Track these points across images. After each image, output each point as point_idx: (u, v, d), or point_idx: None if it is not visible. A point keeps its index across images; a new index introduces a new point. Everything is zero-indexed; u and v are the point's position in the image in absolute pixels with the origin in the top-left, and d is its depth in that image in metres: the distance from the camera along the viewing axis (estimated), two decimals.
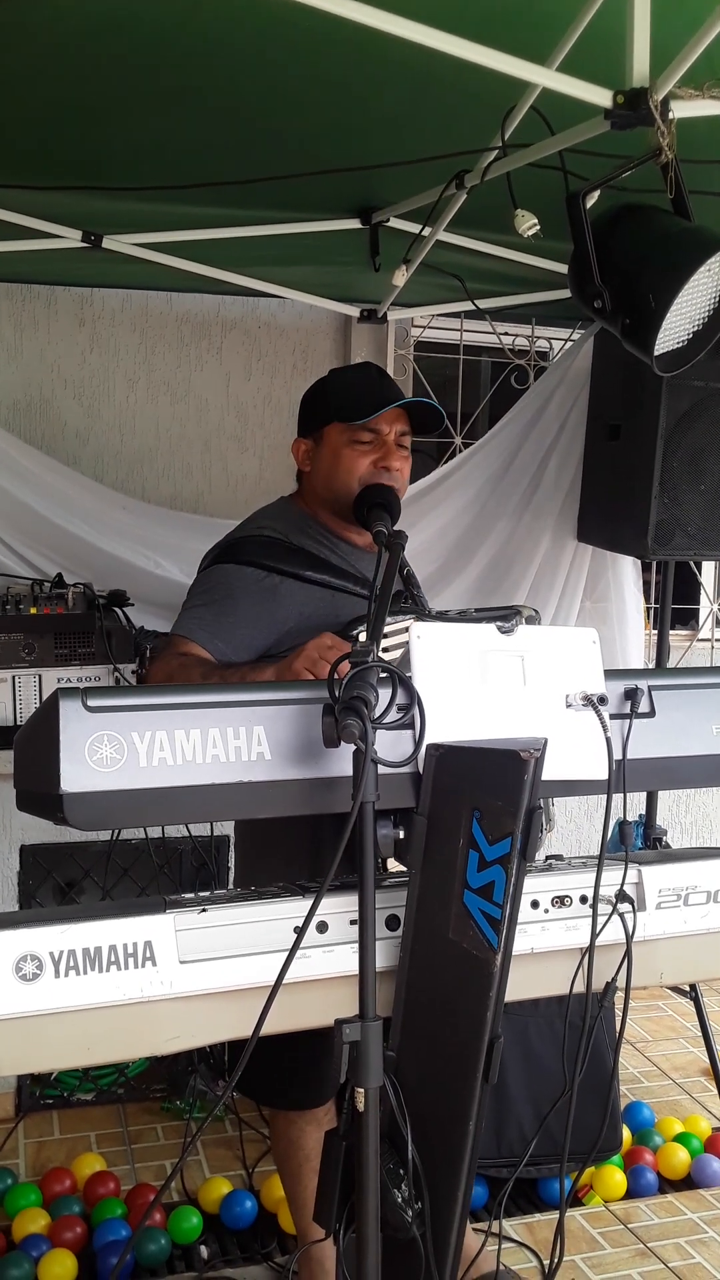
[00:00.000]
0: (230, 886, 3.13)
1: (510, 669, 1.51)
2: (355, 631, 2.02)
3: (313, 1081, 2.16)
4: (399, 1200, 1.40)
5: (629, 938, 1.56)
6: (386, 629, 1.77)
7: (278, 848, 2.11)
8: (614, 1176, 2.97)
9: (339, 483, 2.19)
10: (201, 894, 1.48)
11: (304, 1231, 2.39)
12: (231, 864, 3.46)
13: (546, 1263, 2.60)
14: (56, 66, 2.09)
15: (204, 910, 1.40)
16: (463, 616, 1.92)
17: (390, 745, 1.41)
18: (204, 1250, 2.72)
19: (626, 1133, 3.15)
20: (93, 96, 2.22)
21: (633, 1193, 2.99)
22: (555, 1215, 2.73)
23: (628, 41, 1.76)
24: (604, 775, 1.52)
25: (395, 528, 2.04)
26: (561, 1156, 1.67)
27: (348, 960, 1.39)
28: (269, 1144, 3.02)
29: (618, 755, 1.54)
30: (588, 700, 1.52)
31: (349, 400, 2.19)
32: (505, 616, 1.65)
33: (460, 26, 1.73)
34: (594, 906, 1.54)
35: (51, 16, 1.89)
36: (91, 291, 3.56)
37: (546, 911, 1.54)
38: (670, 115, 1.80)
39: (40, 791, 1.32)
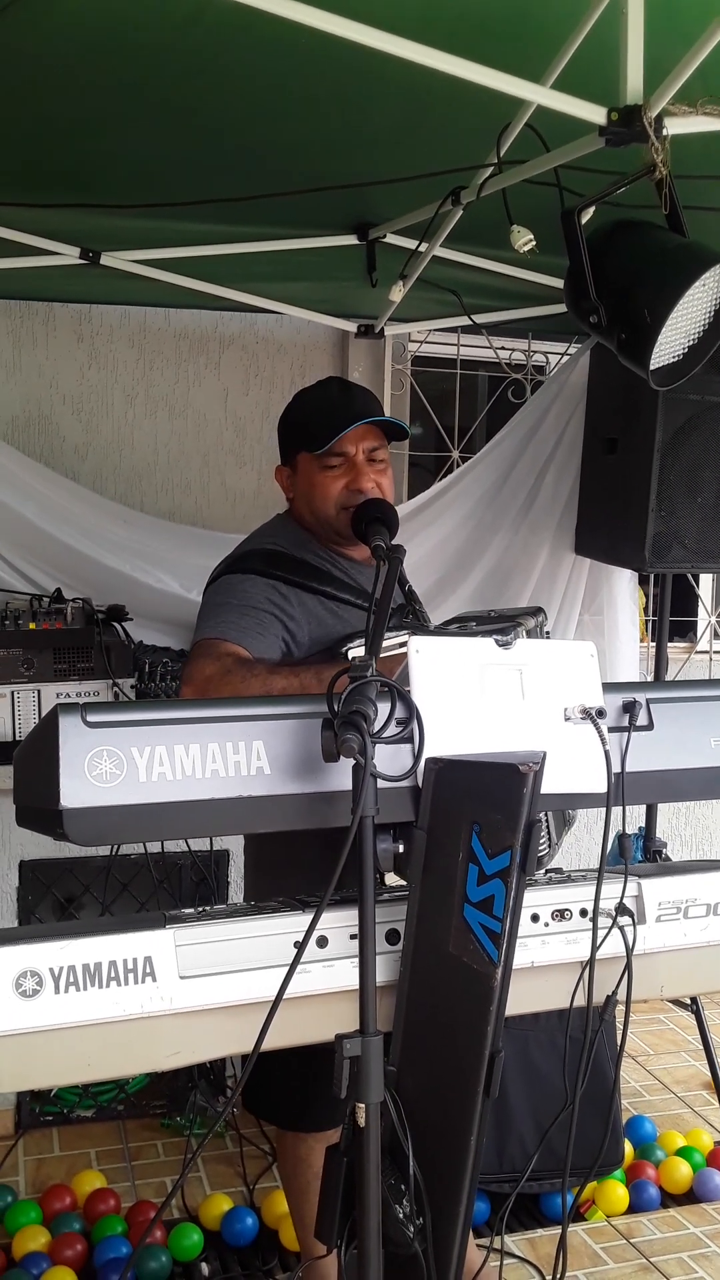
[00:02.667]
0: (238, 902, 3.12)
1: (509, 683, 1.51)
2: (346, 648, 2.02)
3: (327, 1102, 2.14)
4: (400, 1216, 1.40)
5: (629, 951, 1.56)
6: (384, 643, 1.77)
7: (292, 865, 2.09)
8: (616, 1191, 2.96)
9: (319, 509, 2.20)
10: (202, 909, 1.48)
11: (309, 1249, 2.37)
12: (231, 879, 3.46)
13: (549, 1278, 2.59)
14: (53, 84, 2.10)
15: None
16: (463, 627, 1.92)
17: (389, 759, 1.41)
18: (205, 1267, 2.71)
19: (628, 1147, 3.14)
20: (90, 114, 2.23)
21: (635, 1207, 2.98)
22: (558, 1230, 2.72)
23: (621, 58, 1.77)
24: (603, 788, 1.52)
25: (394, 542, 2.04)
26: (563, 1171, 1.66)
27: (348, 975, 1.39)
28: (270, 1160, 3.02)
29: (616, 768, 1.54)
30: (586, 713, 1.52)
31: (309, 428, 2.19)
32: (504, 630, 1.65)
33: (455, 44, 1.75)
34: (594, 920, 1.53)
35: (48, 35, 1.90)
36: (90, 308, 3.58)
37: (547, 925, 1.54)
38: (664, 132, 1.82)
39: (40, 807, 1.32)
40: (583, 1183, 2.90)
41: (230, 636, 2.01)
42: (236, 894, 3.50)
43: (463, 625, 1.90)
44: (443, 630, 1.91)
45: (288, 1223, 2.71)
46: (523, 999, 1.49)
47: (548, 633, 2.02)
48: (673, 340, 2.03)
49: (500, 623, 1.75)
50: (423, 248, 2.85)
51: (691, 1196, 3.05)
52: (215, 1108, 3.22)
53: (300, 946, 1.32)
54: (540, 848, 1.94)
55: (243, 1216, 2.82)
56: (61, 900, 3.36)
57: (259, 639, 2.03)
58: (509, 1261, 2.69)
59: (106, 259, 3.00)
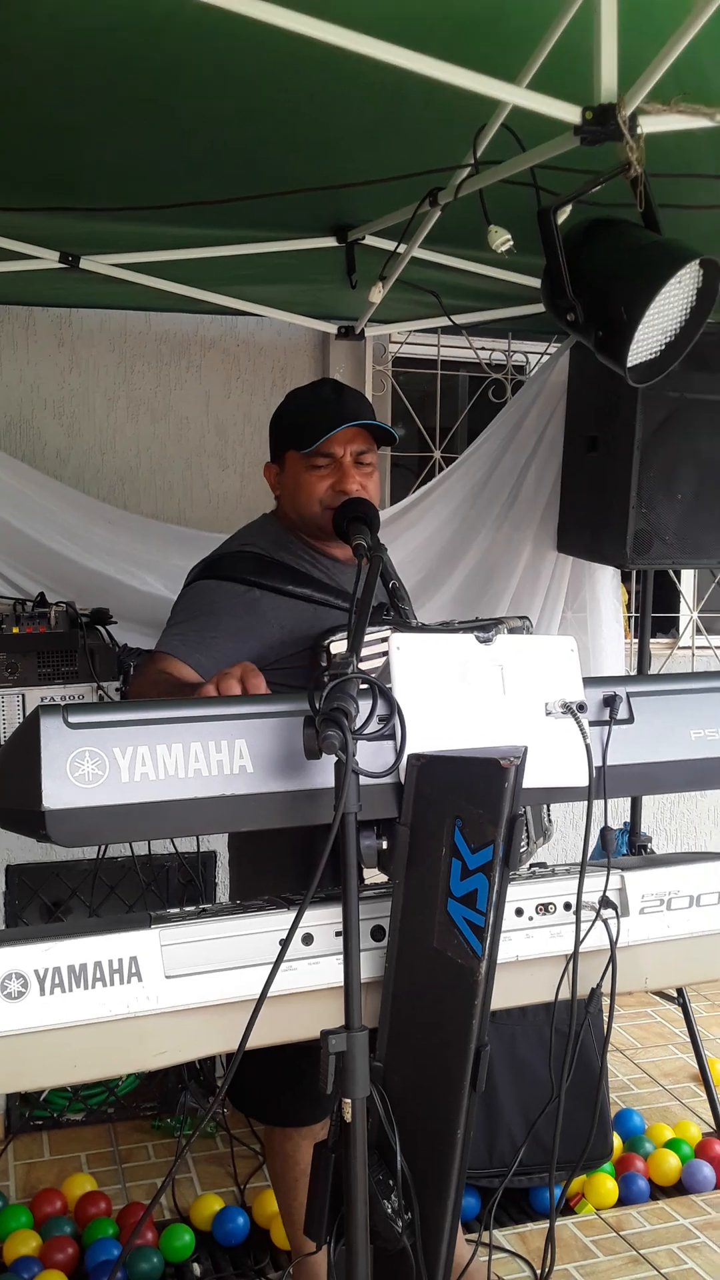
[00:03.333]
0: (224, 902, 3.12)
1: (490, 678, 1.52)
2: (326, 642, 2.03)
3: (311, 1097, 2.15)
4: (389, 1211, 1.40)
5: (613, 943, 1.57)
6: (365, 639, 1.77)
7: (273, 863, 2.10)
8: (605, 1184, 2.97)
9: (303, 507, 2.21)
10: (187, 909, 1.48)
11: (298, 1246, 2.38)
12: (219, 880, 3.46)
13: (539, 1271, 2.60)
14: (30, 87, 2.10)
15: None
16: (445, 628, 1.93)
17: (372, 756, 1.42)
18: (196, 1268, 2.71)
19: (617, 1140, 3.16)
20: (67, 117, 2.23)
21: (624, 1200, 2.99)
22: (547, 1224, 2.73)
23: (595, 58, 1.78)
24: (584, 782, 1.53)
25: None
26: (550, 1163, 1.67)
27: (334, 972, 1.39)
28: (260, 1160, 3.02)
29: (598, 762, 1.55)
30: (567, 708, 1.53)
31: (300, 426, 2.21)
32: (485, 628, 1.67)
33: (430, 45, 1.76)
34: (577, 913, 1.54)
35: (24, 38, 1.90)
36: (70, 312, 3.58)
37: (531, 919, 1.55)
38: (639, 130, 1.83)
39: (23, 809, 1.32)
40: (571, 1176, 2.92)
41: (178, 653, 2.06)
42: (224, 895, 3.50)
43: (445, 625, 1.92)
44: (424, 628, 1.92)
45: (279, 1222, 2.71)
46: (508, 993, 1.50)
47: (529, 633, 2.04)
48: (650, 337, 2.04)
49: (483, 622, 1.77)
50: (401, 249, 2.86)
51: (680, 1188, 3.06)
52: (205, 1108, 3.22)
53: (284, 944, 1.33)
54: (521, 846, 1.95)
55: (234, 1216, 2.82)
56: (48, 904, 3.35)
57: (209, 654, 2.07)
58: (499, 1256, 2.70)
59: (86, 263, 3.00)
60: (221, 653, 2.07)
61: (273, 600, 2.15)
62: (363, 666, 1.63)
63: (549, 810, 2.26)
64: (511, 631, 1.98)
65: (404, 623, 2.15)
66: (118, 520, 3.35)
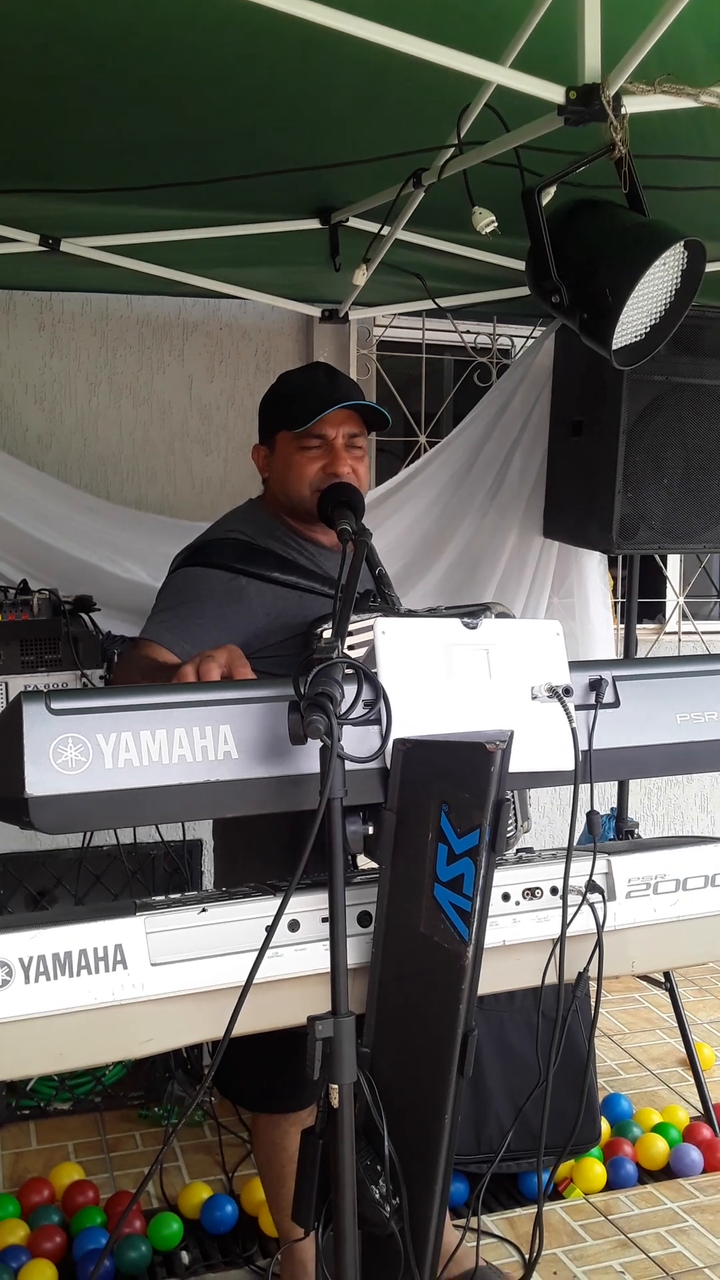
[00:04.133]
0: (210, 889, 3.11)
1: (475, 662, 1.51)
2: (320, 629, 2.02)
3: (297, 1084, 2.15)
4: (376, 1196, 1.40)
5: (600, 927, 1.57)
6: (352, 627, 1.76)
7: (259, 849, 2.10)
8: (594, 1169, 2.98)
9: (292, 489, 2.20)
10: (172, 896, 1.47)
11: (286, 1233, 2.38)
12: (204, 869, 3.46)
13: (527, 1256, 2.61)
14: (9, 68, 2.08)
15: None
16: (432, 614, 1.92)
17: (357, 741, 1.41)
18: (185, 1256, 2.70)
19: (605, 1125, 3.17)
20: (47, 98, 2.21)
21: (612, 1184, 3.00)
22: (535, 1209, 2.74)
23: (579, 37, 1.77)
24: (571, 766, 1.52)
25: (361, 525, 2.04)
26: (538, 1148, 1.67)
27: (320, 958, 1.38)
28: (248, 1148, 3.02)
29: (584, 746, 1.55)
30: (553, 692, 1.53)
31: (293, 407, 2.20)
32: (474, 613, 1.66)
33: (413, 24, 1.74)
34: (564, 897, 1.54)
35: (2, 19, 1.87)
36: (51, 295, 3.55)
37: (517, 904, 1.54)
38: (623, 110, 1.82)
39: (5, 796, 1.31)
40: (559, 1161, 2.92)
41: (162, 640, 2.05)
42: (210, 884, 3.49)
43: (432, 610, 1.91)
44: (411, 613, 1.91)
45: (267, 1209, 2.71)
46: (495, 978, 1.49)
47: None
48: (635, 319, 2.03)
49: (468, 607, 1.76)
50: (385, 231, 2.84)
51: (668, 1172, 3.07)
52: (193, 1097, 3.22)
53: (270, 930, 1.32)
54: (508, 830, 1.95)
55: (222, 1204, 2.82)
56: (34, 893, 3.34)
57: (194, 641, 2.04)
58: (488, 1241, 2.70)
59: (67, 245, 2.97)
60: (207, 640, 2.05)
61: (258, 587, 2.14)
62: (354, 654, 1.62)
63: (529, 801, 2.26)
64: (499, 616, 1.97)
65: (392, 609, 2.14)
66: (99, 509, 3.33)
